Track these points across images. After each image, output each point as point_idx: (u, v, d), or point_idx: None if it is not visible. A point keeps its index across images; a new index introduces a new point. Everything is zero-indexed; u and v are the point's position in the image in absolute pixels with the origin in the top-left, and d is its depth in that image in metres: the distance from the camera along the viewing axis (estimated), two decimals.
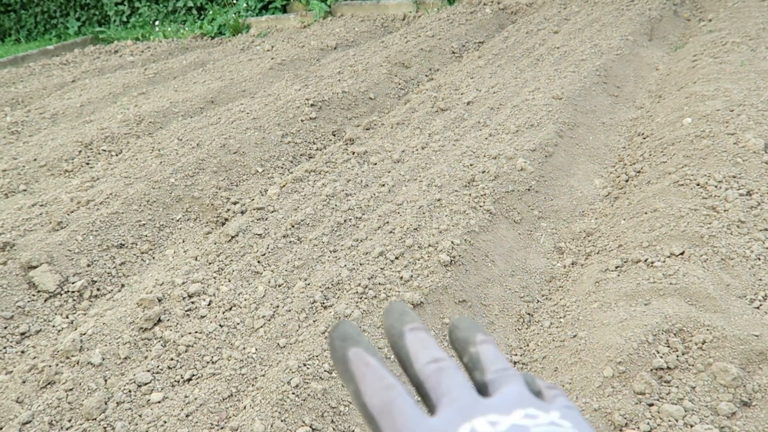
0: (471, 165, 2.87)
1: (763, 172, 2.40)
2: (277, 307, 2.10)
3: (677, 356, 1.58)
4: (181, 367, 1.88)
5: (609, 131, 3.43)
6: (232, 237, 2.56)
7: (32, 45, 9.60)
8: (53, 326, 2.28)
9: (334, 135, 3.89)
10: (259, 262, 2.37)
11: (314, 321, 1.97)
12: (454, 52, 5.51)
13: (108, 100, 5.22)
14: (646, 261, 2.02)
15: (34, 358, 2.03)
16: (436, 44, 5.49)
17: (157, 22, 9.37)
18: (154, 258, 2.71)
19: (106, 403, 1.76)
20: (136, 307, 2.13)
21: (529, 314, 2.09)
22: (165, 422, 1.69)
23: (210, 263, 2.40)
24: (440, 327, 1.95)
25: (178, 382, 1.84)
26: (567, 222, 2.62)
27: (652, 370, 1.56)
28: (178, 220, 2.93)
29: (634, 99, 3.87)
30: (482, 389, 0.32)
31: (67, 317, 2.32)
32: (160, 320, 2.07)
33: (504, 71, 4.49)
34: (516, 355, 1.91)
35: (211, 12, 8.68)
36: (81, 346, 1.96)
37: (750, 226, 2.09)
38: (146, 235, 2.78)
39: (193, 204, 3.02)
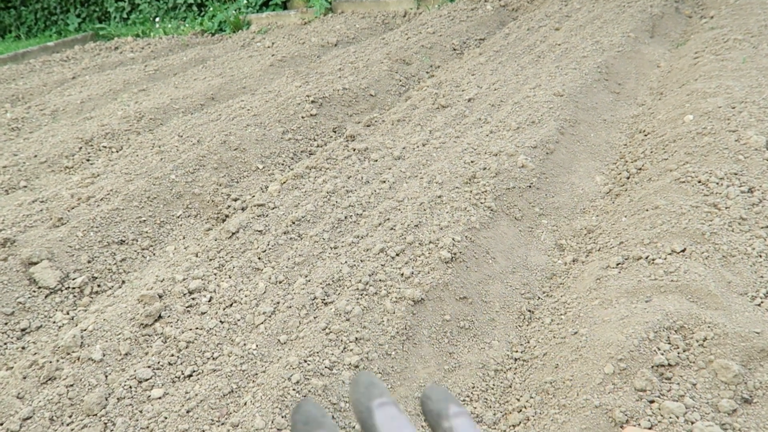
0: (472, 162, 2.87)
1: (764, 170, 2.40)
2: (278, 303, 2.10)
3: (678, 353, 1.58)
4: (181, 363, 1.88)
5: (610, 128, 3.43)
6: (233, 233, 2.56)
7: (32, 41, 9.59)
8: (54, 322, 2.28)
9: (335, 131, 3.89)
10: (259, 258, 2.36)
11: (315, 317, 1.97)
12: (455, 49, 5.50)
13: (108, 97, 5.21)
14: (647, 258, 2.02)
15: (35, 354, 2.03)
16: (437, 41, 5.48)
17: (157, 19, 9.36)
18: (154, 254, 2.71)
19: (106, 399, 1.76)
20: (136, 303, 2.13)
21: (530, 311, 2.09)
22: (165, 418, 1.69)
23: (210, 260, 2.40)
24: (440, 324, 1.95)
25: (179, 378, 1.84)
26: (568, 219, 2.62)
27: (653, 367, 1.56)
28: (178, 217, 2.93)
29: (636, 96, 3.86)
30: None
31: (68, 313, 2.32)
32: (160, 316, 2.07)
33: (505, 68, 4.48)
34: (517, 352, 1.91)
35: (211, 8, 8.67)
36: (82, 342, 1.96)
37: (751, 223, 2.09)
38: (147, 232, 2.78)
39: (193, 200, 3.02)
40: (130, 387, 1.79)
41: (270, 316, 2.03)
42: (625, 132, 3.39)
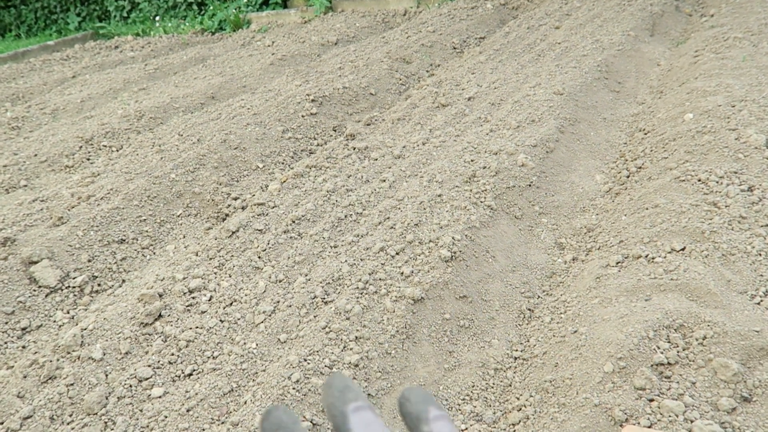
0: (472, 160, 2.87)
1: (764, 168, 2.40)
2: (278, 302, 2.10)
3: (678, 352, 1.58)
4: (181, 362, 1.88)
5: (610, 127, 3.43)
6: (233, 232, 2.56)
7: (32, 40, 9.58)
8: (54, 321, 2.28)
9: (335, 130, 3.89)
10: (259, 257, 2.37)
11: (315, 316, 1.98)
12: (455, 48, 5.50)
13: (108, 96, 5.21)
14: (646, 257, 2.02)
15: (35, 353, 2.03)
16: (437, 39, 5.48)
17: (157, 18, 9.35)
18: (154, 253, 2.71)
19: (107, 398, 1.76)
20: (136, 302, 2.13)
21: (529, 310, 2.09)
22: (166, 417, 1.69)
23: (211, 259, 2.40)
24: (440, 323, 1.95)
25: (179, 377, 1.84)
26: (568, 218, 2.62)
27: (652, 365, 1.56)
28: (178, 216, 2.93)
29: (636, 95, 3.86)
30: None
31: (68, 312, 2.33)
32: (160, 315, 2.07)
33: (505, 67, 4.47)
34: (517, 350, 1.91)
35: (211, 7, 8.66)
36: (82, 341, 1.96)
37: (751, 221, 2.09)
38: (147, 231, 2.78)
39: (193, 199, 3.02)
40: (131, 386, 1.79)
41: (270, 315, 2.03)
42: (625, 130, 3.39)
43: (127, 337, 1.97)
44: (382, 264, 2.16)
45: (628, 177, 2.79)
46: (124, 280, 2.53)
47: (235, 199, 3.03)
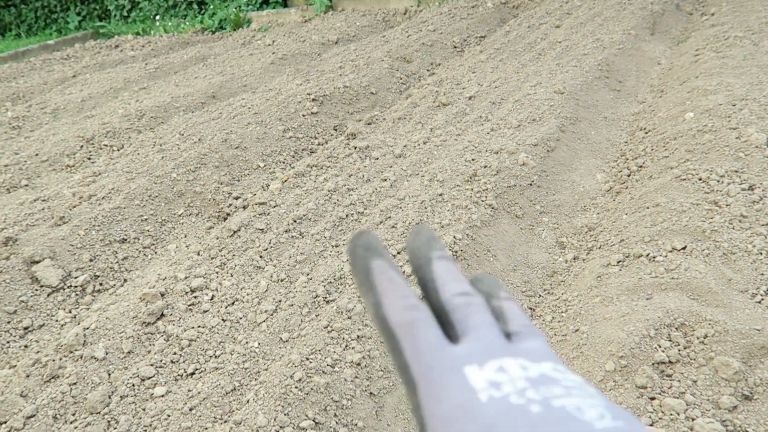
0: (473, 160, 2.87)
1: (765, 167, 2.40)
2: (280, 301, 2.10)
3: (679, 350, 1.58)
4: (184, 362, 1.89)
5: (611, 126, 3.43)
6: (234, 232, 2.56)
7: (33, 40, 9.58)
8: (56, 321, 2.28)
9: (336, 130, 3.89)
10: (261, 256, 2.37)
11: (316, 315, 1.98)
12: (455, 47, 5.50)
13: (109, 95, 5.22)
14: (647, 255, 2.02)
15: (38, 352, 2.04)
16: (437, 38, 5.48)
17: (157, 17, 9.35)
18: (156, 253, 2.71)
19: (109, 397, 1.77)
20: (138, 301, 2.14)
21: (531, 309, 2.10)
22: (168, 416, 1.69)
23: (212, 258, 2.41)
24: None
25: (182, 376, 1.85)
26: (569, 217, 2.62)
27: (653, 364, 1.56)
28: (180, 215, 2.93)
29: (636, 93, 3.86)
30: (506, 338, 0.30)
31: (70, 312, 2.33)
32: (163, 315, 2.08)
33: (506, 66, 4.47)
34: None
35: (211, 6, 8.66)
36: (84, 341, 1.97)
37: (752, 220, 2.09)
38: (148, 230, 2.79)
39: (195, 199, 3.03)
40: (133, 385, 1.80)
41: (272, 315, 2.04)
42: (625, 129, 3.39)
43: (129, 337, 1.98)
44: None
45: (629, 176, 2.80)
46: (125, 280, 2.53)
47: (237, 198, 3.03)
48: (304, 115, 3.86)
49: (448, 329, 0.30)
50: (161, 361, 1.88)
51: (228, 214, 2.93)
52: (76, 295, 2.41)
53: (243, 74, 5.18)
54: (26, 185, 3.47)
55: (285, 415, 1.58)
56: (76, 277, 2.45)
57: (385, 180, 2.85)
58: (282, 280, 2.21)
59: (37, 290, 2.37)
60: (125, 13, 9.77)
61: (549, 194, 2.72)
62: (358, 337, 1.83)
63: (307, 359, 1.74)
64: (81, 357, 1.90)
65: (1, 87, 6.01)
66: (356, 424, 1.62)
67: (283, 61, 5.59)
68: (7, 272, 2.37)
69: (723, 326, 1.58)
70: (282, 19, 8.04)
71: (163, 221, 2.87)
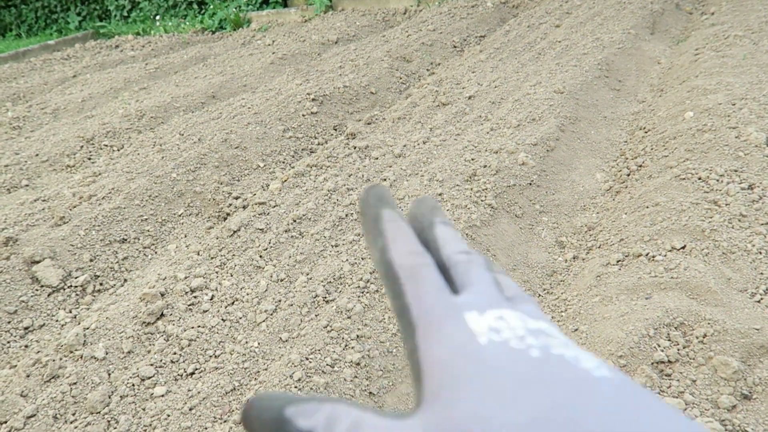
0: (472, 159, 2.87)
1: (764, 166, 2.40)
2: (280, 301, 2.11)
3: (678, 350, 1.59)
4: (184, 361, 1.89)
5: (611, 125, 3.43)
6: (234, 232, 2.56)
7: (33, 40, 9.59)
8: (57, 321, 2.29)
9: (336, 129, 3.89)
10: (261, 256, 2.37)
11: (316, 315, 1.98)
12: (455, 46, 5.50)
13: (109, 95, 5.22)
14: (647, 255, 2.02)
15: (38, 352, 2.04)
16: (437, 38, 5.48)
17: (157, 17, 9.35)
18: (156, 253, 2.72)
19: (109, 397, 1.77)
20: (138, 301, 2.14)
21: None
22: (168, 416, 1.70)
23: (212, 258, 2.41)
24: None
25: (181, 376, 1.85)
26: (568, 216, 2.62)
27: (653, 363, 1.57)
28: (180, 215, 2.93)
29: (636, 93, 3.86)
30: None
31: (71, 312, 2.33)
32: (162, 314, 2.08)
33: (505, 65, 4.48)
34: None
35: (211, 6, 8.66)
36: (84, 341, 1.97)
37: (751, 220, 2.10)
38: (148, 230, 2.79)
39: (195, 199, 3.03)
40: (133, 385, 1.80)
41: (272, 314, 2.04)
42: (625, 129, 3.39)
43: (129, 336, 1.98)
44: None
45: (628, 175, 2.80)
46: (125, 280, 2.54)
47: (236, 198, 3.04)
48: (303, 115, 3.86)
49: (450, 284, 0.30)
50: (161, 360, 1.89)
51: (228, 214, 2.93)
52: (77, 295, 2.41)
53: (243, 74, 5.19)
54: (26, 185, 3.47)
55: None
56: (76, 277, 2.46)
57: (385, 180, 2.85)
58: (282, 280, 2.21)
59: (37, 290, 2.37)
60: (125, 13, 9.78)
61: (548, 194, 2.73)
62: (357, 336, 1.84)
63: (307, 359, 1.75)
64: (81, 357, 1.90)
65: (2, 87, 6.01)
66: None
67: (283, 61, 5.59)
68: (8, 272, 2.37)
69: (722, 326, 1.59)
70: (282, 19, 8.04)
71: (163, 221, 2.87)
